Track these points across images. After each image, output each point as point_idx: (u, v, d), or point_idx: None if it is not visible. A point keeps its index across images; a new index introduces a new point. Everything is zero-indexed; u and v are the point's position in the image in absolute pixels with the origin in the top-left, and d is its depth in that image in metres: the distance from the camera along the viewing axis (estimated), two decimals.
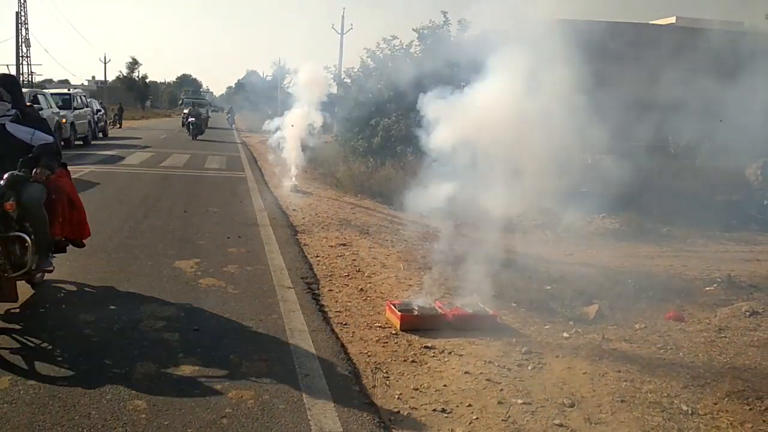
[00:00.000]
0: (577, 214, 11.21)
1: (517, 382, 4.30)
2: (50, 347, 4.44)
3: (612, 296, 6.27)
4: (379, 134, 15.16)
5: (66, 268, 6.44)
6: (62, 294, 5.66)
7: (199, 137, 30.36)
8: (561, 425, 3.73)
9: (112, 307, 5.36)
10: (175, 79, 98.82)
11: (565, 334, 5.29)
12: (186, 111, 36.85)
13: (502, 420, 3.78)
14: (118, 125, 38.54)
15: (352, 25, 42.95)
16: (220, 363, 4.35)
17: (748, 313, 5.77)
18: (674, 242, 9.87)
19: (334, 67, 22.35)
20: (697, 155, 14.16)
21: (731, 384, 4.27)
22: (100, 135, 27.75)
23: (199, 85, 60.62)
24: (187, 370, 4.20)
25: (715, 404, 3.99)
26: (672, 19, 24.08)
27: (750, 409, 3.93)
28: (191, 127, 30.74)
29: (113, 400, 3.73)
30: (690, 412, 3.87)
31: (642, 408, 3.91)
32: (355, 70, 17.95)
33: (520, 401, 4.01)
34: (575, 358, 4.70)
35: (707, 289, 6.81)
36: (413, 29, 15.47)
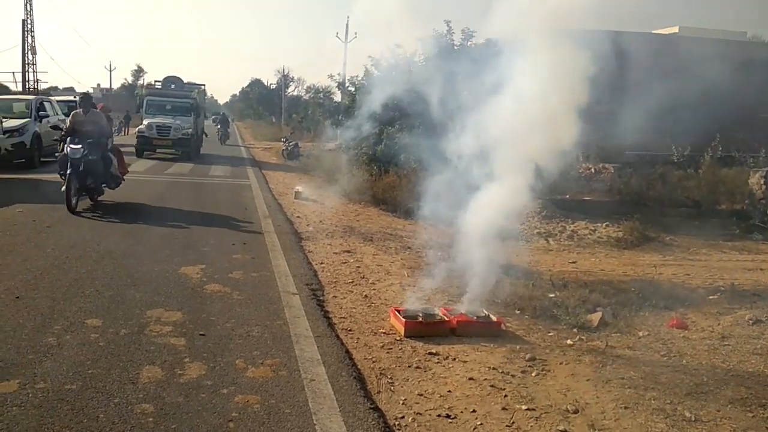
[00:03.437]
0: (581, 223, 11.26)
1: (521, 388, 4.33)
2: (57, 351, 4.48)
3: (615, 304, 6.31)
4: (383, 142, 15.20)
5: (73, 273, 6.50)
6: (69, 298, 5.69)
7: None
8: (565, 431, 3.75)
9: (119, 311, 5.41)
10: None
11: (569, 341, 5.32)
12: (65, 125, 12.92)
13: (506, 426, 3.80)
14: (124, 132, 38.66)
15: (356, 33, 43.08)
16: (226, 368, 4.38)
17: (751, 322, 5.79)
18: (677, 251, 9.89)
19: (338, 75, 22.53)
20: (700, 164, 14.20)
21: (734, 391, 4.29)
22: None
23: (181, 81, 25.57)
24: (193, 374, 4.24)
25: (718, 411, 4.00)
26: (675, 29, 24.18)
27: (753, 417, 3.95)
28: (71, 178, 10.04)
29: (121, 403, 3.76)
30: (693, 418, 3.89)
31: (645, 414, 3.93)
32: (359, 78, 18.04)
33: (524, 407, 4.03)
34: (579, 365, 4.72)
35: (710, 297, 6.83)
36: (417, 38, 15.55)
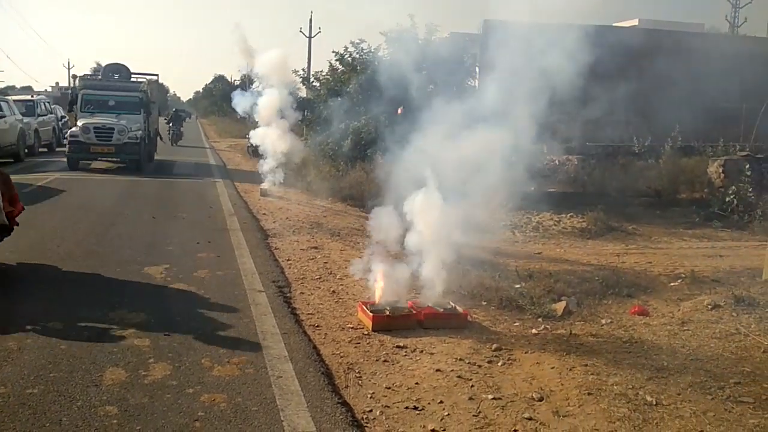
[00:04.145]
0: (545, 214, 11.39)
1: (487, 378, 4.38)
2: (18, 355, 4.39)
3: (579, 293, 6.40)
4: (349, 137, 15.20)
5: (34, 276, 6.36)
6: (30, 301, 5.58)
7: None
8: (530, 419, 3.80)
9: (81, 314, 5.31)
10: None
11: (534, 331, 5.39)
12: None
13: (473, 415, 3.84)
14: None
15: (320, 28, 42.92)
16: (192, 367, 4.34)
17: (710, 307, 5.92)
18: (639, 240, 10.07)
19: (303, 71, 22.40)
20: (661, 154, 14.46)
21: (694, 375, 4.40)
22: (65, 141, 27.25)
23: (127, 70, 19.66)
24: (158, 375, 4.19)
25: (679, 395, 4.10)
26: (635, 22, 24.60)
27: (712, 399, 4.06)
28: None
29: (84, 406, 3.71)
30: (654, 402, 3.98)
31: (608, 400, 4.01)
32: (324, 73, 18.00)
33: (490, 396, 4.08)
34: (544, 354, 4.79)
35: (671, 284, 6.98)
36: (381, 33, 15.56)
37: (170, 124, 30.20)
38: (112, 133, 16.94)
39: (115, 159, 17.71)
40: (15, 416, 3.56)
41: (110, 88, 18.66)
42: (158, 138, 22.21)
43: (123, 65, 19.50)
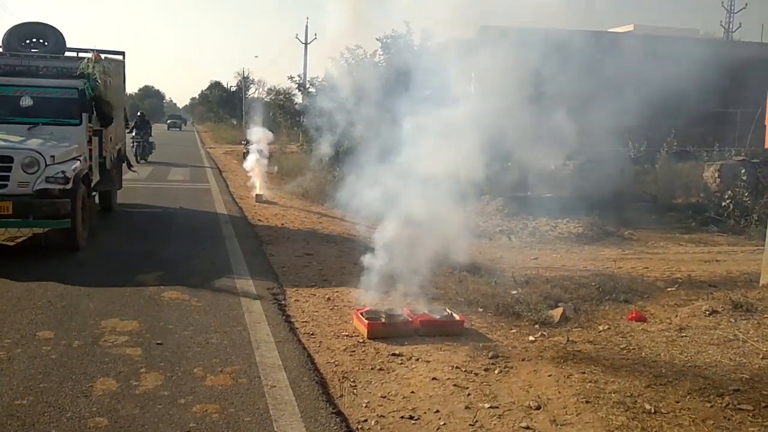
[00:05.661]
0: (542, 220, 11.37)
1: (484, 386, 4.32)
2: (8, 365, 4.32)
3: (576, 299, 6.36)
4: (344, 143, 15.15)
5: (25, 285, 6.30)
6: (20, 310, 5.51)
7: None
8: (527, 428, 3.75)
9: (72, 323, 5.25)
10: (137, 91, 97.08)
11: (531, 338, 5.34)
12: None
13: (470, 425, 3.79)
14: None
15: (316, 34, 42.88)
16: (184, 377, 4.28)
17: (707, 312, 5.88)
18: (636, 245, 10.06)
19: (299, 77, 22.40)
20: (657, 159, 14.47)
21: (692, 382, 4.35)
22: None
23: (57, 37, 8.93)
24: (149, 385, 4.13)
25: (677, 402, 4.05)
26: (630, 27, 24.66)
27: (711, 406, 4.01)
28: None
29: (74, 417, 3.64)
30: (653, 410, 3.92)
31: (606, 408, 3.95)
32: (320, 79, 17.99)
33: (487, 405, 4.02)
34: (541, 361, 4.74)
35: (668, 290, 6.95)
36: (376, 38, 15.56)
37: (134, 134, 21.78)
38: (9, 169, 7.48)
39: (15, 225, 7.69)
40: (3, 428, 3.49)
41: (21, 72, 8.95)
42: (126, 164, 13.13)
43: (50, 26, 10.05)
